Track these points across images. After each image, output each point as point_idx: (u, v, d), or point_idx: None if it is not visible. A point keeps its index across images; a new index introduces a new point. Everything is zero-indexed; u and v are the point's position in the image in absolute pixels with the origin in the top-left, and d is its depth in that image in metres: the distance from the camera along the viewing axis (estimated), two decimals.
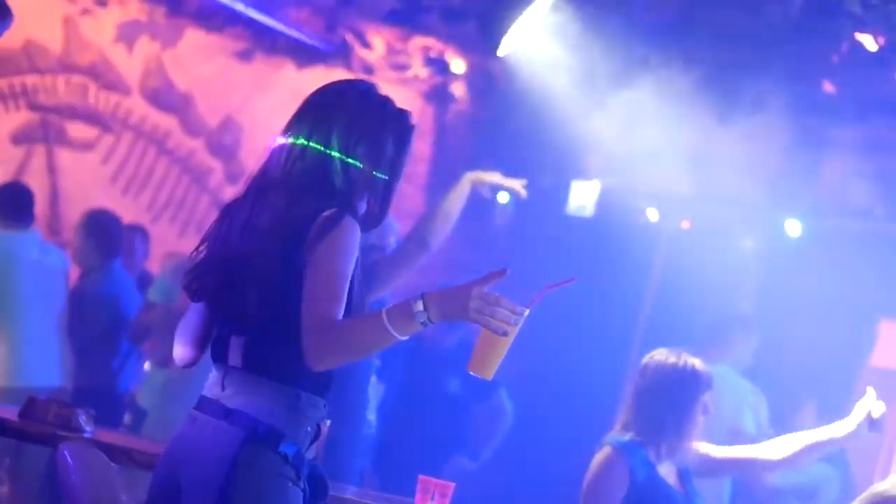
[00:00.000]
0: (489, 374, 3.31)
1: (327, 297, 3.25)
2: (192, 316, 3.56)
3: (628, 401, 5.01)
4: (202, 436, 3.37)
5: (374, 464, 6.89)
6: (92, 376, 7.34)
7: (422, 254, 5.39)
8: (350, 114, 3.48)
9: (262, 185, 3.48)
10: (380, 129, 3.50)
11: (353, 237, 3.32)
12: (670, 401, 4.88)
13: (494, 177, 5.54)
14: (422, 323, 3.19)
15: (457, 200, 5.45)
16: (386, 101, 3.56)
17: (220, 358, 3.44)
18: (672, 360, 4.95)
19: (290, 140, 3.47)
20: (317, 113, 3.48)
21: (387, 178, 3.50)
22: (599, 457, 4.90)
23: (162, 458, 3.47)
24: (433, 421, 7.41)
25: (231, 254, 3.42)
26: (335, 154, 3.43)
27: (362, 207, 3.47)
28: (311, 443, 3.43)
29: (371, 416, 5.96)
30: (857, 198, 8.22)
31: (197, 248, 3.51)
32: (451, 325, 7.44)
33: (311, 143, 3.44)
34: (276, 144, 3.50)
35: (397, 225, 5.65)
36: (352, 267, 3.31)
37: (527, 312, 3.23)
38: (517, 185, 5.59)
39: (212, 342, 3.48)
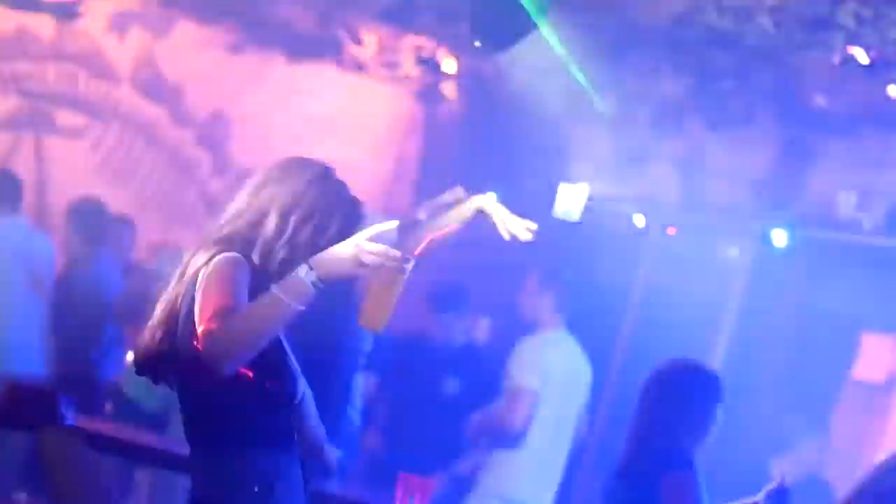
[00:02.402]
0: (380, 326, 3.33)
1: (208, 309, 3.28)
2: None
3: (639, 413, 4.91)
4: None
5: (368, 464, 6.91)
6: (75, 364, 7.32)
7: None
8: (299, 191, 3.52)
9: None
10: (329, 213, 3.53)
11: (225, 268, 3.38)
12: (690, 413, 4.84)
13: (500, 213, 5.08)
14: (312, 284, 3.23)
15: (455, 222, 5.06)
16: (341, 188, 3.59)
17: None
18: (688, 369, 4.92)
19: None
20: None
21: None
22: (675, 481, 4.77)
23: None
24: (431, 423, 7.40)
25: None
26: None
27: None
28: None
29: (353, 412, 5.95)
30: (844, 210, 8.23)
31: None
32: (449, 325, 7.45)
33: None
34: None
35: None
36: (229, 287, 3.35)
37: (412, 262, 3.27)
38: (520, 227, 4.99)
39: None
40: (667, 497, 4.72)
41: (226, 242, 3.44)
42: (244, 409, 3.40)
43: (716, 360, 8.29)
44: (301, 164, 3.58)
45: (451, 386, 7.37)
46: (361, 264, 3.24)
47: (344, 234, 3.39)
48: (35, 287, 7.18)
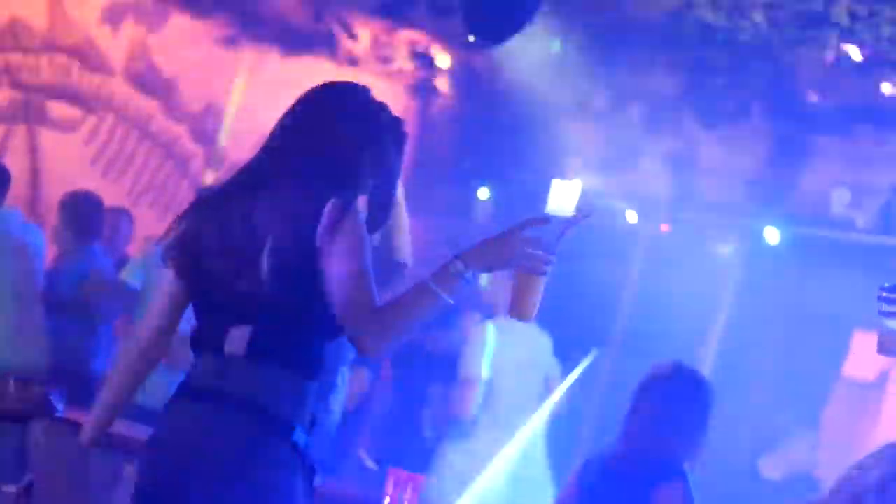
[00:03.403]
0: (531, 315, 3.37)
1: (364, 286, 3.23)
2: (160, 300, 3.53)
3: (631, 420, 4.84)
4: (209, 429, 3.29)
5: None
6: (65, 356, 7.31)
7: (401, 276, 5.22)
8: (352, 117, 3.47)
9: (259, 174, 3.43)
10: (380, 136, 3.50)
11: (362, 224, 3.30)
12: (684, 424, 4.79)
13: None
14: (466, 279, 3.23)
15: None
16: (384, 108, 3.55)
17: (212, 346, 3.36)
18: (683, 378, 4.88)
19: (290, 131, 3.45)
20: (321, 111, 3.47)
21: (385, 184, 3.51)
22: (667, 493, 4.69)
23: (157, 451, 3.39)
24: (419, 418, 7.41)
25: (234, 243, 3.36)
26: (337, 152, 3.43)
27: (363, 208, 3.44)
28: (311, 428, 3.37)
29: (335, 406, 5.95)
30: (837, 208, 8.24)
31: (175, 225, 3.45)
32: (443, 327, 7.46)
33: (312, 138, 3.43)
34: (274, 132, 3.48)
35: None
36: (370, 251, 3.30)
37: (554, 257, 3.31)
38: None
39: (199, 329, 3.41)
40: None
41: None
42: None
43: (707, 357, 8.30)
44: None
45: (440, 381, 7.40)
46: (520, 261, 3.26)
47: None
48: (26, 279, 7.16)
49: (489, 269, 3.29)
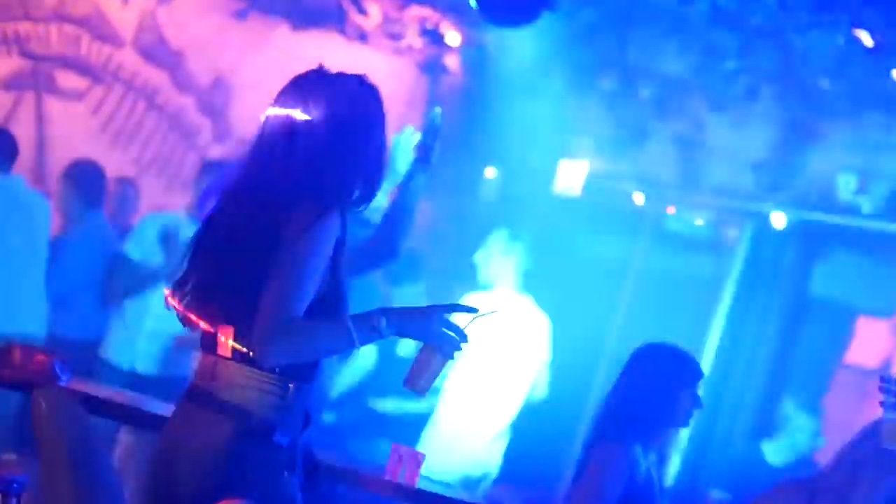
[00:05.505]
0: (423, 391, 3.44)
1: (286, 296, 3.26)
2: None
3: (617, 391, 4.91)
4: (195, 428, 3.38)
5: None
6: (67, 327, 7.32)
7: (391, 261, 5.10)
8: (344, 101, 3.47)
9: (247, 178, 3.46)
10: (372, 118, 3.51)
11: (325, 238, 3.32)
12: (659, 391, 4.82)
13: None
14: (381, 335, 3.32)
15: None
16: (375, 93, 3.56)
17: (209, 348, 3.43)
18: (660, 350, 4.92)
19: (279, 121, 3.46)
20: (310, 95, 3.46)
21: (374, 162, 3.50)
22: (602, 453, 4.76)
23: (157, 445, 3.49)
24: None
25: (221, 248, 3.42)
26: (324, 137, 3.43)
27: (351, 191, 3.47)
28: (304, 428, 3.46)
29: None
30: (844, 193, 8.23)
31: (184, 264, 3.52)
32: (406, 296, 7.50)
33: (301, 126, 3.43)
34: (263, 128, 3.49)
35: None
36: (322, 260, 3.32)
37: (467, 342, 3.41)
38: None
39: (203, 330, 3.46)
40: (589, 467, 4.75)
41: None
42: None
43: (710, 341, 8.31)
44: None
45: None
46: (437, 338, 3.36)
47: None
48: (31, 247, 7.17)
49: (406, 336, 3.39)
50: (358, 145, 3.45)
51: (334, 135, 3.42)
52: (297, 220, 3.29)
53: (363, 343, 3.30)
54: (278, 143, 3.43)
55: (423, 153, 3.96)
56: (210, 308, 3.41)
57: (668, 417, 4.83)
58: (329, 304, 3.36)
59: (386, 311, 3.34)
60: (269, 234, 3.31)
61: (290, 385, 3.38)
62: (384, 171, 3.56)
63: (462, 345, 3.37)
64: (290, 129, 3.42)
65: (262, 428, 3.35)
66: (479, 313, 3.43)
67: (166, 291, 3.50)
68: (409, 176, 3.95)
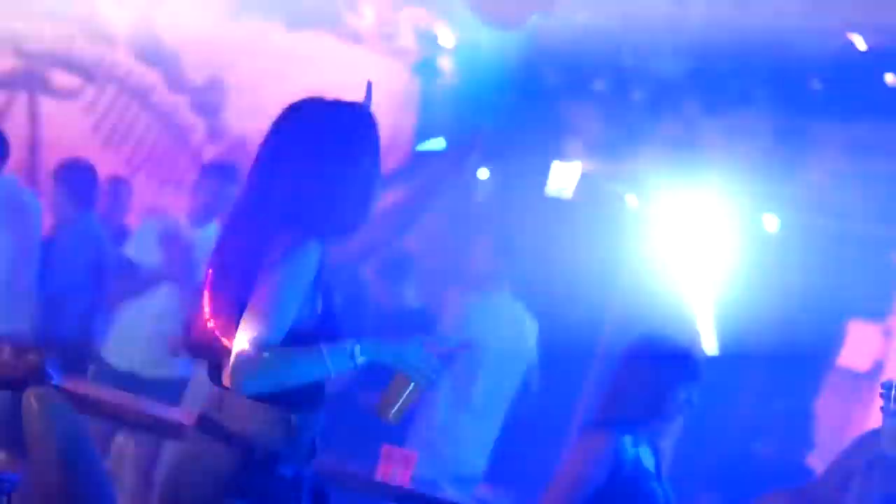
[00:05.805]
0: (395, 420, 3.47)
1: (267, 323, 3.26)
2: None
3: (609, 383, 4.91)
4: (200, 457, 3.41)
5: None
6: (59, 326, 7.31)
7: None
8: (333, 130, 3.49)
9: (241, 211, 3.50)
10: (363, 147, 3.51)
11: (303, 266, 3.33)
12: (652, 382, 4.82)
13: None
14: (354, 364, 3.34)
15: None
16: (369, 121, 3.56)
17: (215, 380, 3.46)
18: (656, 341, 4.91)
19: (270, 161, 3.49)
20: (303, 122, 3.50)
21: (362, 191, 3.49)
22: (587, 441, 4.78)
23: (167, 471, 3.52)
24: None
25: (217, 280, 3.45)
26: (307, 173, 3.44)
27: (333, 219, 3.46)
28: (309, 459, 3.49)
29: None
30: (836, 197, 8.23)
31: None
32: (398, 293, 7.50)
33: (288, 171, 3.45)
34: (257, 159, 3.52)
35: None
36: (300, 288, 3.32)
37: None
38: None
39: (207, 363, 3.50)
40: (571, 453, 4.79)
41: None
42: None
43: (703, 343, 8.30)
44: None
45: None
46: (410, 367, 3.39)
47: None
48: (23, 246, 7.16)
49: (380, 364, 3.39)
50: (345, 174, 3.45)
51: (319, 163, 3.43)
52: (275, 247, 3.32)
53: (337, 370, 3.31)
54: (267, 168, 3.46)
55: None
56: (224, 334, 3.41)
57: (657, 410, 4.81)
58: (320, 333, 3.38)
59: (360, 339, 3.35)
60: (257, 261, 3.34)
61: (293, 416, 3.40)
62: (373, 200, 3.52)
63: (435, 376, 3.40)
64: (278, 156, 3.45)
65: (266, 459, 3.38)
66: (450, 344, 3.52)
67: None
68: None
